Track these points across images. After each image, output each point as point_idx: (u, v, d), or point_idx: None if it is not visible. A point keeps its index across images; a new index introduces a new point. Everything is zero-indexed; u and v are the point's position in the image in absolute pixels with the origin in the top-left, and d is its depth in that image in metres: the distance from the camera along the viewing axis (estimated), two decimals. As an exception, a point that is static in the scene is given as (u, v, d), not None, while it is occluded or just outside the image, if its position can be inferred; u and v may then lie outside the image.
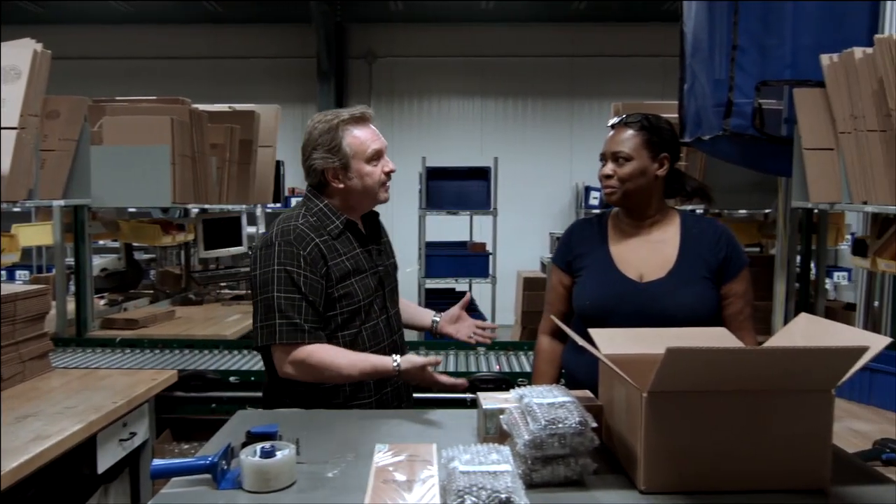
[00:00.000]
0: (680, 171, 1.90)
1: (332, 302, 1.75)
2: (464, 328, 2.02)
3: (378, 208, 1.95)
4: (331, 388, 1.76)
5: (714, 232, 1.83)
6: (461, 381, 1.70)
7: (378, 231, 1.96)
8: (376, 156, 1.81)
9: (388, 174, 1.83)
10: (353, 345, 1.77)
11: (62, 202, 2.92)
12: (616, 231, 1.89)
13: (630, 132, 1.81)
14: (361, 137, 1.79)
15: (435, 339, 2.53)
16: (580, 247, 1.90)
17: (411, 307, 2.13)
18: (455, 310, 2.03)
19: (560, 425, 1.16)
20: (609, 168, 1.82)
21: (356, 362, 1.71)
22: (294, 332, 1.69)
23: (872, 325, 3.02)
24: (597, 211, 7.41)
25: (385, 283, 1.88)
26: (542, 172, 9.24)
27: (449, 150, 8.95)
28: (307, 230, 1.75)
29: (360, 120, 1.81)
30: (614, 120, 1.88)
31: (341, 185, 1.80)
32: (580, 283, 1.87)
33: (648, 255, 1.81)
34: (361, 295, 1.78)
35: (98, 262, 4.73)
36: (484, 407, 1.34)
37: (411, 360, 1.67)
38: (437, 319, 2.05)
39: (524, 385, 1.35)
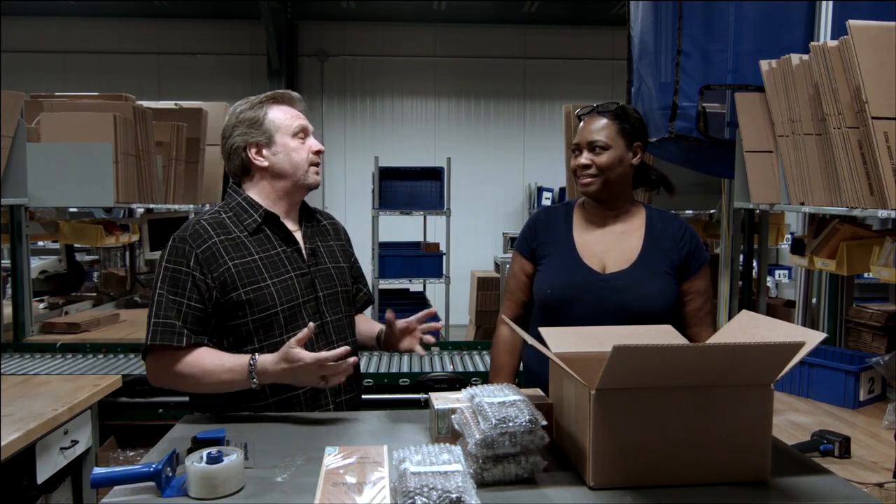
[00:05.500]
0: (644, 161, 1.86)
1: (235, 307, 1.58)
2: (407, 340, 1.74)
3: (330, 209, 1.85)
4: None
5: (678, 228, 1.82)
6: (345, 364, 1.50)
7: (313, 228, 1.76)
8: (302, 132, 1.69)
9: (317, 154, 1.70)
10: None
11: (-3, 201, 2.82)
12: (582, 221, 1.86)
13: (604, 121, 1.78)
14: (287, 113, 1.69)
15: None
16: (544, 234, 1.86)
17: (363, 323, 1.89)
18: (407, 321, 1.74)
19: (510, 424, 1.17)
20: (586, 158, 1.77)
21: (214, 370, 1.52)
22: (169, 334, 1.52)
23: (811, 321, 3.13)
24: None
25: (320, 287, 1.69)
26: (495, 173, 9.32)
27: (402, 150, 8.96)
28: (209, 227, 1.61)
29: (284, 99, 1.71)
30: (585, 109, 1.83)
31: (266, 164, 1.65)
32: (542, 271, 1.84)
33: (612, 246, 1.80)
34: (279, 299, 1.60)
35: (37, 263, 4.59)
36: (436, 407, 1.34)
37: (290, 354, 1.45)
38: (382, 331, 1.80)
39: (478, 385, 1.35)
